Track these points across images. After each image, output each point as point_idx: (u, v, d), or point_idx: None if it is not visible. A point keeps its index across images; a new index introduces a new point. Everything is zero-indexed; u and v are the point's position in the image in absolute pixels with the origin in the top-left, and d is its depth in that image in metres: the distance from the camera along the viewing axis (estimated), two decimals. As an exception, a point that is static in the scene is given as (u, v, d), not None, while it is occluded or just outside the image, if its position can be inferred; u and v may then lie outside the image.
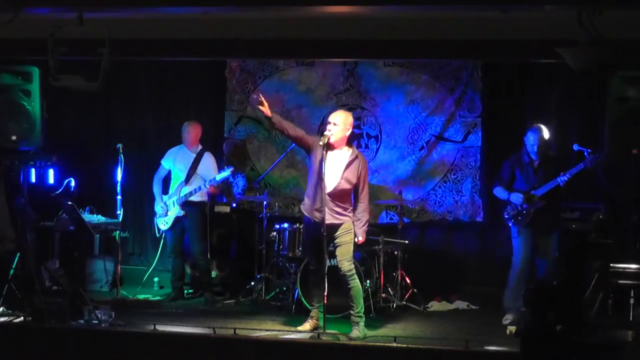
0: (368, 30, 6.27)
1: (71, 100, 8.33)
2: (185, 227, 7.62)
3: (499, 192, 6.89)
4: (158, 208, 7.65)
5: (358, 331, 6.08)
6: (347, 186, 6.12)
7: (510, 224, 6.79)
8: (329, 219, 6.03)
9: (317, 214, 6.07)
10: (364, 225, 6.20)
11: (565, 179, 6.55)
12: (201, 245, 7.60)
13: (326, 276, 5.97)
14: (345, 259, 6.14)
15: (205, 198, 7.61)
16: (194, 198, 7.48)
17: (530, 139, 6.71)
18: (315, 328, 6.21)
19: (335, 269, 6.24)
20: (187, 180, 7.55)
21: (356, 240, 6.20)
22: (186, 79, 8.65)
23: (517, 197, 6.68)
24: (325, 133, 6.10)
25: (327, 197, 6.03)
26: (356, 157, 6.16)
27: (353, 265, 6.22)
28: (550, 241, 6.72)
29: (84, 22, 5.47)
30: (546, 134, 6.73)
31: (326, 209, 6.00)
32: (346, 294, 6.18)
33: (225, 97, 8.56)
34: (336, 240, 6.14)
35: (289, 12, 5.99)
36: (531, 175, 6.74)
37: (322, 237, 5.95)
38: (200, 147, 7.70)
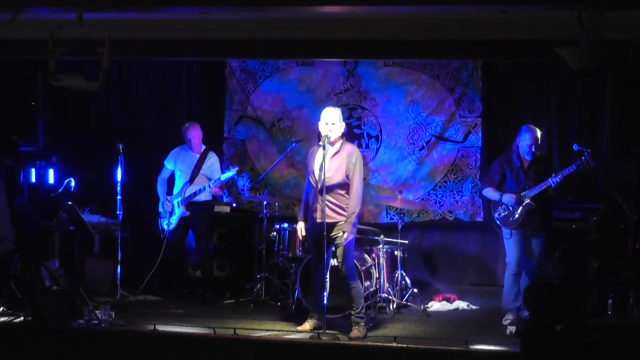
0: (368, 30, 6.26)
1: (71, 100, 8.33)
2: (190, 227, 7.63)
3: (489, 192, 6.86)
4: (162, 208, 7.65)
5: (358, 331, 6.08)
6: (337, 178, 6.03)
7: (501, 226, 6.78)
8: (326, 217, 6.04)
9: (315, 214, 6.07)
10: (351, 219, 6.00)
11: (557, 180, 6.54)
12: (206, 245, 7.63)
13: (328, 277, 5.99)
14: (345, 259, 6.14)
15: (209, 197, 7.62)
16: (198, 198, 7.48)
17: (525, 137, 6.69)
18: (315, 328, 6.20)
19: (335, 270, 6.24)
20: (192, 180, 7.55)
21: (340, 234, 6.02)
22: (186, 79, 8.66)
23: (509, 198, 6.67)
24: (325, 133, 6.08)
25: (324, 194, 6.04)
26: (340, 147, 6.11)
27: (353, 265, 6.21)
28: (538, 242, 6.72)
29: (84, 22, 5.47)
30: (539, 132, 6.74)
31: (319, 208, 6.02)
32: (346, 294, 6.18)
33: (225, 97, 8.57)
34: (336, 241, 6.13)
35: (289, 12, 5.99)
36: (522, 176, 6.72)
37: (322, 238, 5.95)
38: (203, 147, 7.71)
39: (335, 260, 6.24)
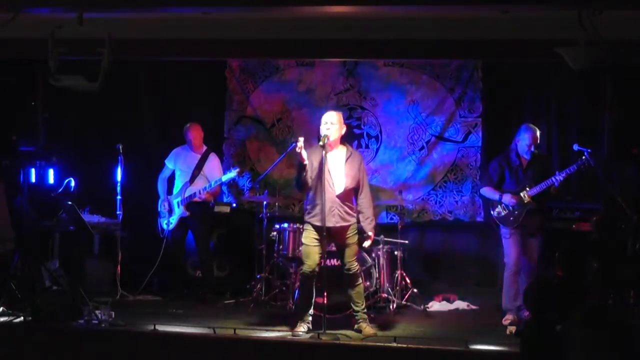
0: (368, 30, 6.26)
1: (71, 100, 8.32)
2: (190, 227, 7.63)
3: (488, 192, 6.84)
4: (162, 208, 7.65)
5: (371, 327, 6.16)
6: (352, 184, 6.15)
7: (500, 225, 6.77)
8: (340, 222, 6.09)
9: (332, 219, 6.07)
10: (372, 221, 6.25)
11: (561, 178, 6.54)
12: (206, 245, 7.63)
13: (325, 277, 6.01)
14: (354, 259, 6.21)
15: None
16: (198, 198, 7.48)
17: (525, 137, 6.68)
18: (309, 330, 6.18)
19: (336, 270, 6.25)
20: (192, 180, 7.55)
21: (366, 236, 6.23)
22: (186, 79, 8.65)
23: (508, 199, 6.65)
24: (325, 133, 6.10)
25: (336, 199, 6.07)
26: (351, 153, 6.22)
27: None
28: (537, 242, 6.71)
29: (84, 22, 5.47)
30: (538, 132, 6.74)
31: (336, 212, 6.07)
32: (350, 293, 6.21)
33: (225, 97, 8.57)
34: (347, 241, 6.17)
35: (289, 12, 5.99)
36: (521, 175, 6.71)
37: (325, 240, 5.99)
38: (204, 147, 7.71)
39: (334, 260, 6.28)
